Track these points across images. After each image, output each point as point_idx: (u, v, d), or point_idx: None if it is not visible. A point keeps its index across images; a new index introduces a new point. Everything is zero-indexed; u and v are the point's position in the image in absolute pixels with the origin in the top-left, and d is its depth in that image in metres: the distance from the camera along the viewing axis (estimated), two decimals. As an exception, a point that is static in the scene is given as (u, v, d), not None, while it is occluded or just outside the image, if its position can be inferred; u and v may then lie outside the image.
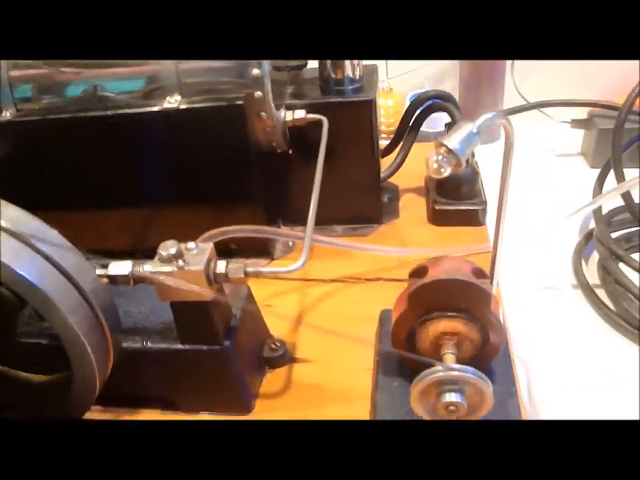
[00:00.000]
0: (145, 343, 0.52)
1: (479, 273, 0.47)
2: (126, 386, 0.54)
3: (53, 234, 0.44)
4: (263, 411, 0.55)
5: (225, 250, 0.65)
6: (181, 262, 0.46)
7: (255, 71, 0.59)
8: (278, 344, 0.59)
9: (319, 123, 0.67)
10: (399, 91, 1.05)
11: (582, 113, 0.91)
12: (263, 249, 0.72)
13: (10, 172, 0.70)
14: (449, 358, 0.46)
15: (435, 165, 0.41)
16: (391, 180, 0.81)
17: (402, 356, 0.50)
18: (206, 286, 0.46)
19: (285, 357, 0.58)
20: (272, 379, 0.58)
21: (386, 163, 0.79)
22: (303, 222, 0.76)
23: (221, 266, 0.47)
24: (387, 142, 0.81)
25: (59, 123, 0.65)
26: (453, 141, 0.41)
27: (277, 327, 0.62)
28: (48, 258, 0.43)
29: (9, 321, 0.50)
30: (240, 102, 0.60)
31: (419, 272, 0.48)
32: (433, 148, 0.43)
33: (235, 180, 0.67)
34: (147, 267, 0.47)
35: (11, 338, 0.52)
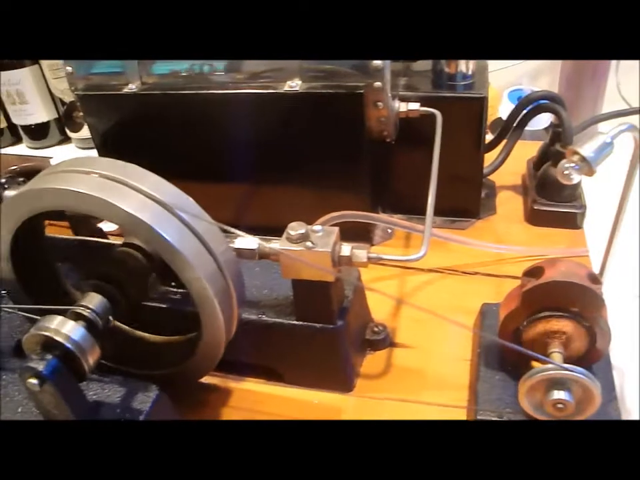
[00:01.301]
0: (260, 315, 0.55)
1: (593, 278, 0.48)
2: (237, 354, 0.57)
3: (190, 202, 0.47)
4: (363, 390, 0.57)
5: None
6: (309, 243, 0.48)
7: (376, 62, 0.61)
8: (380, 327, 0.61)
9: (427, 116, 0.68)
10: (496, 86, 1.05)
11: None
12: (362, 234, 0.74)
13: (129, 141, 0.75)
14: (557, 356, 0.47)
15: (567, 172, 0.43)
16: (489, 177, 0.82)
17: (506, 349, 0.52)
18: (330, 267, 0.49)
19: (385, 341, 0.61)
20: (372, 361, 0.60)
21: (487, 159, 0.80)
22: (400, 210, 0.79)
23: (346, 249, 0.49)
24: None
25: (179, 98, 0.68)
26: (587, 149, 0.43)
27: (378, 311, 0.64)
28: (186, 224, 0.46)
29: (141, 286, 0.54)
30: (361, 91, 0.62)
31: (534, 272, 0.49)
32: (566, 155, 0.44)
33: (345, 165, 0.69)
34: (275, 245, 0.50)
35: (141, 302, 0.55)
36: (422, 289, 0.69)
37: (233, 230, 0.48)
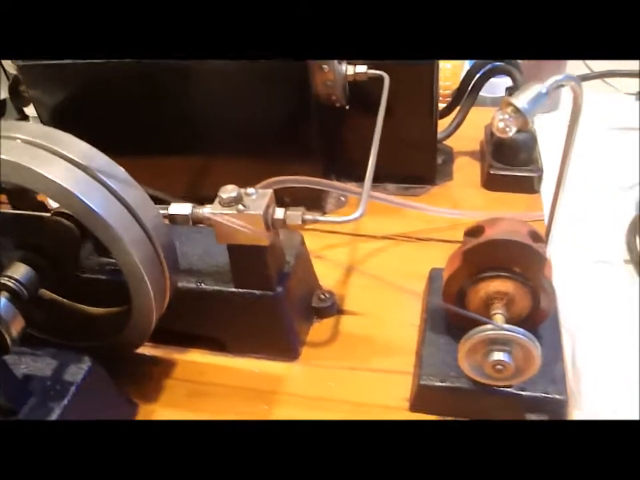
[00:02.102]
0: (199, 283, 0.54)
1: (535, 236, 0.47)
2: (177, 325, 0.56)
3: (119, 170, 0.45)
4: (309, 358, 0.56)
5: (277, 202, 0.66)
6: (240, 206, 0.47)
7: (321, 23, 0.59)
8: (327, 295, 0.60)
9: (378, 80, 0.66)
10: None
11: (648, 85, 0.88)
12: (315, 203, 0.73)
13: (75, 113, 0.72)
14: (499, 318, 0.46)
15: (501, 124, 0.41)
16: (446, 142, 0.80)
17: (451, 313, 0.51)
18: (263, 230, 0.47)
19: (332, 308, 0.60)
20: (319, 328, 0.59)
21: (443, 124, 0.78)
22: (355, 177, 0.77)
23: (279, 212, 0.48)
24: (443, 105, 0.80)
25: (125, 67, 0.65)
26: (522, 100, 0.41)
27: (327, 278, 0.63)
28: (113, 192, 0.44)
29: (71, 256, 0.52)
30: (286, 59, 0.60)
31: (475, 231, 0.48)
32: (500, 107, 0.43)
33: (293, 132, 0.67)
34: (207, 210, 0.48)
35: (72, 272, 0.54)
36: (374, 256, 0.67)
37: (162, 197, 0.47)
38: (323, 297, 0.59)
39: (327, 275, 0.63)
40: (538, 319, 0.49)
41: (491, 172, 0.74)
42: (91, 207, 0.42)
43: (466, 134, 0.80)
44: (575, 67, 0.93)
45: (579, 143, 0.77)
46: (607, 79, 0.90)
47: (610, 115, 0.92)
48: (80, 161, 0.44)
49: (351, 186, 0.75)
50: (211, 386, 0.55)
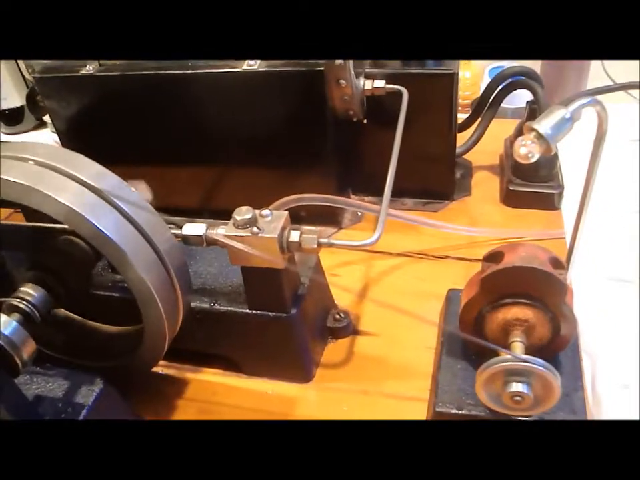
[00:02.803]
0: (212, 304, 0.53)
1: (556, 262, 0.45)
2: (191, 344, 0.55)
3: (132, 192, 0.45)
4: (323, 381, 0.55)
5: (293, 216, 0.65)
6: (255, 228, 0.46)
7: (338, 38, 0.58)
8: (342, 315, 0.59)
9: (397, 94, 0.65)
10: (478, 63, 1.02)
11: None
12: (331, 218, 0.72)
13: (89, 125, 0.72)
14: (517, 346, 0.45)
15: (524, 150, 0.40)
16: (465, 156, 0.79)
17: (468, 340, 0.50)
18: (278, 254, 0.46)
19: (348, 328, 0.59)
20: (334, 349, 0.58)
21: (462, 138, 0.77)
22: (372, 192, 0.76)
23: (295, 235, 0.47)
24: (462, 115, 0.78)
25: (138, 79, 0.65)
26: (544, 125, 0.40)
27: (342, 297, 0.62)
28: (125, 215, 0.44)
29: (84, 274, 0.52)
30: (320, 68, 0.60)
31: (494, 256, 0.47)
32: (522, 131, 0.42)
33: (309, 146, 0.66)
34: (221, 230, 0.47)
35: (85, 289, 0.53)
36: (389, 274, 0.66)
37: (173, 219, 0.46)
38: (338, 317, 0.59)
39: (342, 294, 0.62)
40: (558, 346, 0.48)
41: (511, 188, 0.72)
42: (101, 230, 0.42)
43: (485, 147, 0.79)
44: (597, 77, 0.91)
45: (602, 154, 0.75)
46: (630, 91, 0.88)
47: (631, 125, 0.90)
48: (91, 183, 0.43)
49: (368, 200, 0.75)
50: (222, 406, 0.54)
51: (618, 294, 0.64)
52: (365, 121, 0.69)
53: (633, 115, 0.91)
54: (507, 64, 0.98)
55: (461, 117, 0.79)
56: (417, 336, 0.58)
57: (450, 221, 0.71)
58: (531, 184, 0.72)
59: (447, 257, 0.67)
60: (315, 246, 0.46)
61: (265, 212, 0.47)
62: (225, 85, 0.63)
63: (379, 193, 0.75)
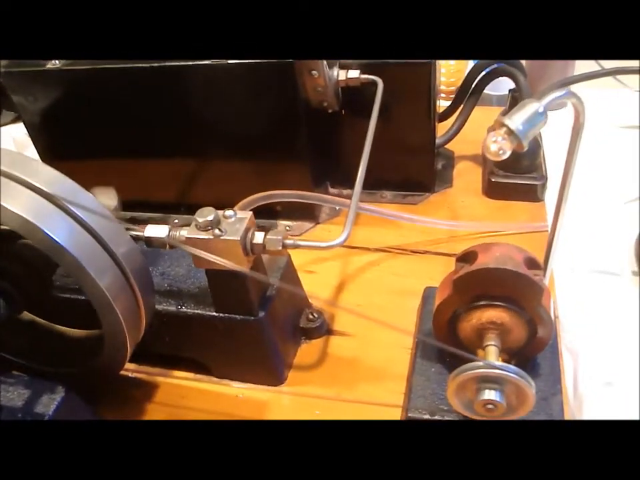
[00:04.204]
0: (179, 306, 0.51)
1: (532, 262, 0.43)
2: (160, 347, 0.53)
3: (87, 197, 0.43)
4: (295, 384, 0.54)
5: (269, 210, 0.63)
6: (217, 230, 0.44)
7: (309, 27, 0.56)
8: (315, 314, 0.57)
9: (374, 84, 0.63)
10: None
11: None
12: (307, 212, 0.70)
13: (58, 119, 0.70)
14: (491, 350, 0.43)
15: (494, 147, 0.38)
16: (447, 145, 0.77)
17: (444, 339, 0.48)
18: (242, 257, 0.44)
19: (322, 329, 0.57)
20: (307, 350, 0.56)
21: (444, 127, 0.75)
22: (351, 184, 0.72)
23: (259, 237, 0.45)
24: (447, 102, 0.76)
25: (106, 72, 0.63)
26: (516, 120, 0.38)
27: (317, 295, 0.60)
28: (80, 222, 0.41)
29: (45, 277, 0.50)
30: (290, 59, 0.57)
31: (467, 257, 0.45)
32: (493, 126, 0.39)
33: (282, 138, 0.64)
34: (184, 233, 0.45)
35: (47, 293, 0.51)
36: (366, 270, 0.64)
37: (132, 226, 0.44)
38: (311, 317, 0.57)
39: (317, 292, 0.60)
40: (535, 348, 0.46)
41: (492, 179, 0.70)
42: (54, 240, 0.39)
43: (468, 136, 0.77)
44: (584, 63, 0.89)
45: (588, 143, 0.74)
46: (618, 77, 0.86)
47: (619, 112, 0.88)
48: (46, 190, 0.41)
49: (347, 193, 0.73)
50: (191, 411, 0.53)
51: (603, 287, 0.62)
52: (342, 112, 0.67)
53: (620, 101, 0.89)
54: (491, 49, 0.95)
55: (445, 104, 0.77)
56: (393, 335, 0.55)
57: (430, 213, 0.69)
58: (513, 175, 0.70)
59: (426, 252, 0.65)
60: (280, 248, 0.44)
61: (229, 212, 0.45)
62: (194, 78, 0.61)
63: (357, 185, 0.73)
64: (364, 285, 0.62)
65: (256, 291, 0.48)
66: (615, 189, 0.74)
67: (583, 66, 0.88)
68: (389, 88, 0.63)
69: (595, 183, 0.75)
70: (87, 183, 0.74)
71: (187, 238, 0.45)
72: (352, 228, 0.45)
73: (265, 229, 0.45)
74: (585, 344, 0.56)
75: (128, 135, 0.69)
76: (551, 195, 0.70)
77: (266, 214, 0.67)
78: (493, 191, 0.71)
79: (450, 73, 0.99)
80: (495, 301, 0.43)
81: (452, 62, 0.99)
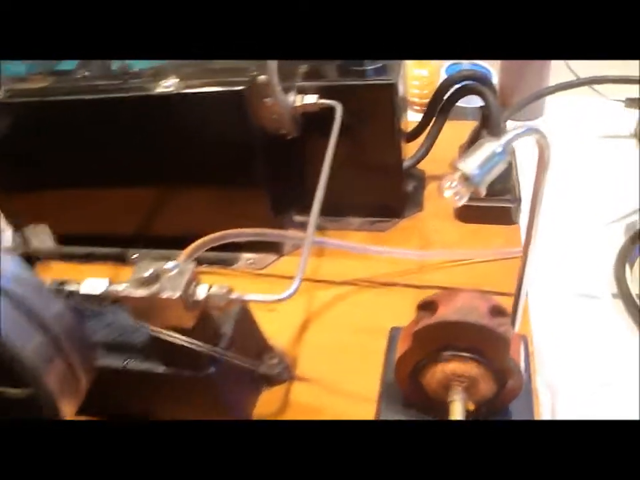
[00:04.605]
0: (125, 362, 0.47)
1: (497, 311, 0.40)
2: (108, 405, 0.50)
3: (7, 258, 0.39)
4: (254, 438, 0.50)
5: (232, 243, 0.60)
6: (156, 287, 0.40)
7: (258, 53, 0.52)
8: (276, 360, 0.53)
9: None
10: (435, 61, 0.96)
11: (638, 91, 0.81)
12: (271, 244, 0.66)
13: (8, 151, 0.66)
14: (456, 407, 0.40)
15: (448, 193, 0.35)
16: (419, 165, 0.73)
17: (407, 390, 0.44)
18: (184, 313, 0.41)
19: (283, 374, 0.53)
20: (268, 398, 0.53)
21: (415, 146, 0.71)
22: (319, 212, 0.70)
23: (201, 292, 0.41)
24: (420, 116, 0.73)
25: (51, 105, 0.60)
26: (470, 164, 0.35)
27: (279, 335, 0.57)
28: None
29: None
30: (240, 87, 0.54)
31: (428, 305, 0.41)
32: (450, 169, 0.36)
33: (238, 167, 0.61)
34: (122, 287, 0.42)
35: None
36: (332, 306, 0.60)
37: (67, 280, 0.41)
38: (272, 362, 0.53)
39: (279, 332, 0.57)
40: (505, 399, 0.43)
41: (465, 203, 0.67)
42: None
43: (440, 155, 0.73)
44: (560, 72, 0.86)
45: (565, 154, 0.70)
46: (594, 86, 0.83)
47: (598, 122, 0.85)
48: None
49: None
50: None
51: (582, 312, 0.59)
52: (304, 137, 0.64)
53: (599, 110, 0.86)
54: (464, 62, 0.92)
55: (419, 117, 0.73)
56: (359, 380, 0.52)
57: (400, 241, 0.66)
58: (486, 198, 0.66)
59: (394, 284, 0.61)
60: (224, 303, 0.41)
61: (170, 265, 0.42)
62: (138, 110, 0.57)
63: (325, 212, 0.70)
64: (329, 323, 0.59)
65: (205, 345, 0.45)
66: (593, 206, 0.71)
67: (555, 74, 0.85)
68: (351, 109, 0.60)
69: (575, 194, 0.72)
70: (42, 217, 0.72)
71: (123, 296, 0.41)
72: (301, 277, 0.42)
73: (209, 285, 0.42)
74: (564, 379, 0.53)
75: (82, 167, 0.66)
76: (526, 217, 0.67)
77: (228, 246, 0.64)
78: (466, 214, 0.68)
79: (423, 84, 0.96)
80: (459, 353, 0.40)
81: (425, 73, 0.96)
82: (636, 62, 0.82)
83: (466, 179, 0.34)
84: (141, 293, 0.40)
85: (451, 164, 0.35)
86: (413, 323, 0.42)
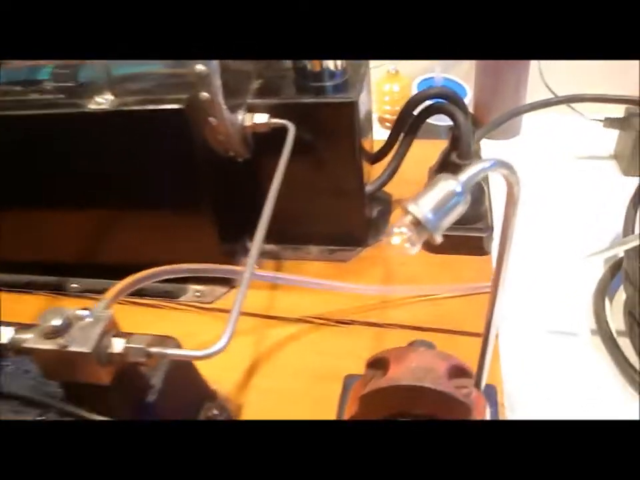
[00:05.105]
0: (41, 417, 0.41)
1: (458, 372, 0.35)
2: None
3: None
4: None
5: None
6: (64, 339, 0.34)
7: (199, 67, 0.46)
8: (217, 411, 0.47)
9: (297, 122, 0.54)
10: (407, 74, 0.91)
11: (618, 110, 0.77)
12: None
13: None
14: None
15: (397, 240, 0.29)
16: (386, 187, 0.68)
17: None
18: (97, 369, 0.35)
19: (224, 427, 0.47)
20: (207, 454, 0.47)
21: (381, 167, 0.66)
22: (275, 238, 0.65)
23: (118, 345, 0.35)
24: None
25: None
26: (423, 207, 0.29)
27: (224, 380, 0.51)
28: None
29: None
30: (179, 106, 0.48)
31: (378, 364, 0.36)
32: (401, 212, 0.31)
33: (181, 192, 0.55)
34: (27, 337, 0.36)
35: None
36: (284, 347, 0.55)
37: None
38: (212, 412, 0.47)
39: (224, 376, 0.51)
40: (469, 468, 0.37)
41: (431, 232, 0.61)
42: None
43: (408, 176, 0.68)
44: (537, 89, 0.82)
45: (542, 176, 0.66)
46: (572, 105, 0.79)
47: (576, 142, 0.82)
48: None
49: (269, 249, 0.64)
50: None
51: (558, 351, 0.55)
52: (256, 159, 0.58)
53: (577, 130, 0.82)
54: (436, 76, 0.87)
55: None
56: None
57: (361, 272, 0.61)
58: (455, 226, 0.61)
59: (352, 321, 0.56)
60: (144, 358, 0.35)
61: (83, 312, 0.36)
62: (70, 128, 0.52)
63: (282, 240, 0.65)
64: (280, 366, 0.53)
65: (127, 401, 0.39)
66: (570, 234, 0.66)
67: (535, 92, 0.81)
68: (308, 129, 0.55)
69: (547, 228, 0.67)
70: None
71: (26, 347, 0.35)
72: (234, 327, 0.36)
73: (127, 335, 0.36)
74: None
75: (15, 190, 0.60)
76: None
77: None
78: (432, 244, 0.62)
79: (394, 100, 0.91)
80: (414, 419, 0.34)
81: (396, 88, 0.91)
82: (615, 81, 0.79)
83: (418, 224, 0.29)
84: (48, 345, 0.35)
85: (401, 206, 0.29)
86: (361, 383, 0.36)
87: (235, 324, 0.36)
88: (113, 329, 0.36)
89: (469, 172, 0.30)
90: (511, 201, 0.33)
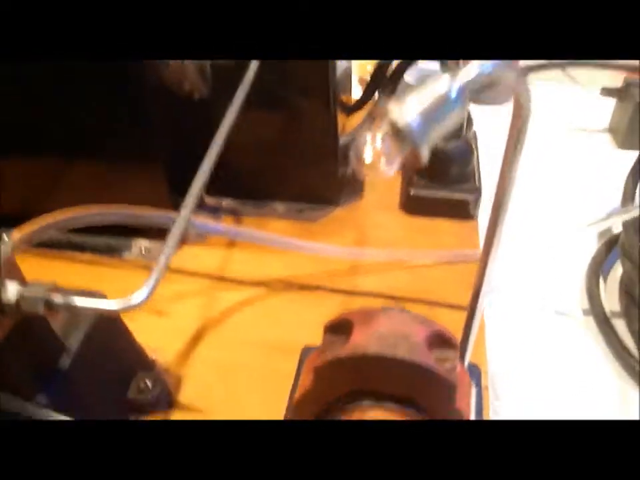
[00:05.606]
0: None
1: (440, 340, 0.27)
2: None
3: None
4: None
5: (127, 228, 0.47)
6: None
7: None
8: (150, 382, 0.40)
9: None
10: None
11: (616, 79, 0.71)
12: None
13: None
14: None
15: (369, 153, 0.22)
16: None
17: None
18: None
19: (159, 402, 0.40)
20: (137, 433, 0.40)
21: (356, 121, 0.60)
22: (234, 193, 0.58)
23: (11, 293, 0.28)
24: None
25: None
26: (409, 110, 0.22)
27: (166, 347, 0.44)
28: None
29: None
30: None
31: (339, 328, 0.28)
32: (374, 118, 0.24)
33: (128, 133, 0.48)
34: None
35: None
36: (237, 313, 0.48)
37: None
38: (143, 385, 0.40)
39: (166, 343, 0.44)
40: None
41: (412, 192, 0.54)
42: None
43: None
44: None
45: (530, 148, 0.59)
46: (569, 71, 0.72)
47: (571, 112, 0.75)
48: None
49: (226, 204, 0.57)
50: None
51: (550, 332, 0.49)
52: (217, 101, 0.51)
53: (573, 99, 0.76)
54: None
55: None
56: (259, 412, 0.39)
57: (332, 234, 0.54)
58: (439, 187, 0.54)
59: (318, 287, 0.49)
60: (41, 310, 0.28)
61: (-30, 248, 0.28)
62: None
63: (240, 194, 0.58)
64: (231, 334, 0.46)
65: (30, 364, 0.32)
66: (563, 207, 0.60)
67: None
68: (274, 70, 0.48)
69: (541, 194, 0.61)
70: None
71: None
72: (162, 274, 0.29)
73: (25, 282, 0.28)
74: (524, 417, 0.43)
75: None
76: (485, 212, 0.56)
77: (118, 230, 0.51)
78: (413, 205, 0.55)
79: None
80: (379, 403, 0.27)
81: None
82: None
83: (398, 131, 0.21)
84: None
85: (378, 109, 0.22)
86: (318, 352, 0.29)
87: (160, 274, 0.29)
88: (12, 271, 0.29)
89: (465, 74, 0.23)
90: (517, 125, 0.26)
